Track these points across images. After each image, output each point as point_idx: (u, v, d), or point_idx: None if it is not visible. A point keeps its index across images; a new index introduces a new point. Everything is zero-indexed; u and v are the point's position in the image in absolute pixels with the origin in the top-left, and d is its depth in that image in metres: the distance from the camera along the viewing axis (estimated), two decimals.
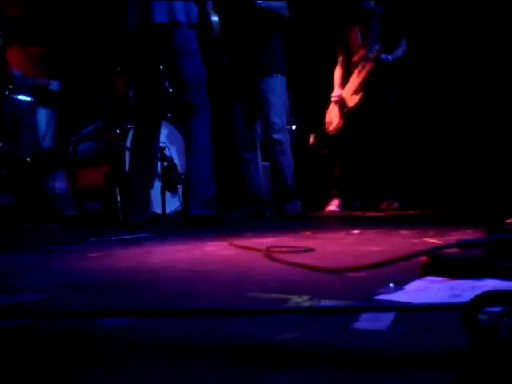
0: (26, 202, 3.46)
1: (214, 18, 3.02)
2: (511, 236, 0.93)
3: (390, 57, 4.05)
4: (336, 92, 4.37)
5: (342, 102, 4.33)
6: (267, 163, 4.04)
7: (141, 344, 0.60)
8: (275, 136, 3.52)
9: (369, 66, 4.05)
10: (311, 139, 4.80)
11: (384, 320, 0.65)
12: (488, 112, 4.30)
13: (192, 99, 2.94)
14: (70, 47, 3.99)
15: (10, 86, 3.54)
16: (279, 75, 3.58)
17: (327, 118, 4.42)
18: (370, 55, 4.05)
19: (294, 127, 4.79)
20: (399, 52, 4.11)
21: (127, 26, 2.95)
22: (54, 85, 3.86)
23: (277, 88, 3.56)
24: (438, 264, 0.95)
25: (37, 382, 0.49)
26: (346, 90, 4.31)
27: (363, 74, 4.11)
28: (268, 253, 1.36)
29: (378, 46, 4.02)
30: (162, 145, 3.70)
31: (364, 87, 4.13)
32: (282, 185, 3.61)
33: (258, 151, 3.77)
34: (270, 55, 3.55)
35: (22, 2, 3.61)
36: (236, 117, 3.72)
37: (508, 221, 1.12)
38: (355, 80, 4.20)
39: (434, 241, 1.66)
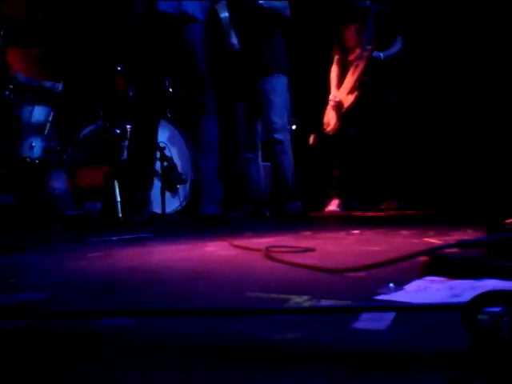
0: (25, 202, 3.46)
1: (224, 14, 3.02)
2: (511, 236, 0.93)
3: (381, 54, 4.05)
4: (333, 94, 4.37)
5: (338, 103, 4.33)
6: (268, 163, 4.04)
7: (141, 344, 0.60)
8: (276, 136, 3.52)
9: (362, 64, 4.05)
10: (311, 139, 4.80)
11: (384, 320, 0.65)
12: (487, 112, 4.30)
13: (206, 99, 2.96)
14: (69, 47, 3.98)
15: (11, 86, 3.53)
16: (281, 75, 3.58)
17: (325, 119, 4.43)
18: (364, 54, 4.05)
19: (293, 127, 4.79)
20: (392, 50, 4.10)
21: (133, 13, 2.91)
22: (54, 85, 3.86)
23: (278, 88, 3.56)
24: (438, 264, 0.95)
25: (37, 381, 0.49)
26: (341, 90, 4.32)
27: (357, 73, 4.11)
28: (268, 253, 1.36)
29: (370, 45, 4.01)
30: (162, 145, 3.71)
31: (359, 86, 4.13)
32: (282, 185, 3.61)
33: (259, 151, 3.77)
34: (272, 55, 3.55)
35: (22, 2, 3.61)
36: (238, 117, 3.72)
37: (508, 221, 1.12)
38: (350, 79, 4.20)
39: (433, 241, 1.66)
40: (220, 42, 3.05)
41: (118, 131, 3.68)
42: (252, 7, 3.40)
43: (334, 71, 4.41)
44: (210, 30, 2.99)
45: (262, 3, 3.38)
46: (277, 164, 3.63)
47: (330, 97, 4.38)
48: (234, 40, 3.19)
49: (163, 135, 3.84)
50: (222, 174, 3.28)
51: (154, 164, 3.28)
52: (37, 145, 3.63)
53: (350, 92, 4.19)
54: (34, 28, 3.71)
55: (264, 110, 3.55)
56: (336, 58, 4.41)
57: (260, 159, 3.79)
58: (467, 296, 0.69)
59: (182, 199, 3.88)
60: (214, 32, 3.00)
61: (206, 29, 2.97)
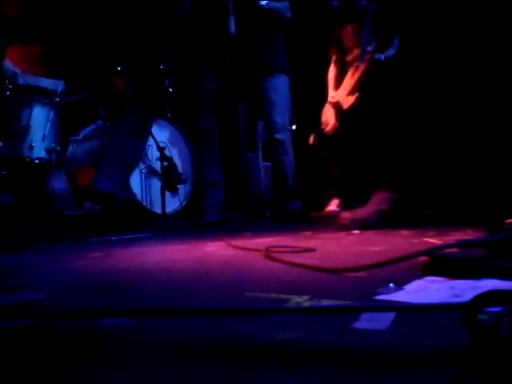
0: (25, 201, 3.46)
1: None
2: (511, 236, 0.93)
3: (382, 56, 4.05)
4: (331, 95, 4.37)
5: (337, 104, 4.33)
6: (268, 163, 4.05)
7: (141, 344, 0.60)
8: (277, 136, 3.53)
9: (363, 66, 4.05)
10: (311, 139, 4.80)
11: (384, 320, 0.65)
12: (487, 111, 4.30)
13: (204, 82, 2.96)
14: (70, 47, 3.99)
15: (10, 86, 3.54)
16: (282, 75, 3.60)
17: (323, 118, 4.42)
18: (365, 56, 4.04)
19: (293, 127, 4.80)
20: (392, 51, 4.10)
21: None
22: (55, 84, 3.86)
23: (280, 88, 3.58)
24: (438, 264, 0.95)
25: (37, 381, 0.49)
26: (340, 91, 4.31)
27: (358, 75, 4.11)
28: (268, 253, 1.36)
29: (371, 47, 4.01)
30: (162, 145, 3.71)
31: (359, 87, 4.13)
32: (282, 184, 3.62)
33: (260, 151, 3.79)
34: (273, 55, 3.57)
35: (22, 2, 3.61)
36: (239, 117, 3.73)
37: (508, 221, 1.12)
38: (349, 81, 4.20)
39: (433, 241, 1.66)
40: (218, 25, 3.04)
41: None
42: (253, 8, 3.41)
43: (332, 72, 4.41)
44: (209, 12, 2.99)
45: (263, 4, 3.40)
46: (277, 164, 3.64)
47: (329, 98, 4.38)
48: (232, 26, 3.18)
49: (163, 135, 3.85)
50: (223, 174, 3.29)
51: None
52: (37, 145, 3.64)
53: (350, 93, 4.19)
54: (34, 27, 3.71)
55: (265, 110, 3.56)
56: (333, 58, 4.41)
57: (260, 159, 3.80)
58: (467, 296, 0.69)
59: (182, 199, 3.89)
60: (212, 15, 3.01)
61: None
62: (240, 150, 3.73)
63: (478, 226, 1.76)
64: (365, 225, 2.17)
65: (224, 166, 3.46)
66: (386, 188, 2.54)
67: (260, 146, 3.80)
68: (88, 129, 3.92)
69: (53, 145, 3.72)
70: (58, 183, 3.72)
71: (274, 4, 3.46)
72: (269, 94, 3.53)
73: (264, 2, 3.40)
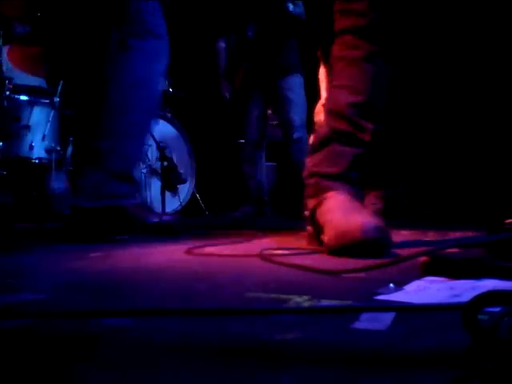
0: (25, 202, 3.46)
1: None
2: (511, 236, 0.93)
3: None
4: (324, 96, 4.37)
5: None
6: (270, 163, 4.06)
7: (141, 344, 0.60)
8: (295, 134, 3.57)
9: None
10: (311, 139, 4.79)
11: (384, 320, 0.65)
12: (487, 111, 4.30)
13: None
14: (70, 47, 3.98)
15: (10, 86, 3.54)
16: (299, 75, 3.66)
17: (316, 119, 4.42)
18: None
19: None
20: None
21: None
22: (54, 85, 3.86)
23: (296, 87, 3.64)
24: (438, 264, 0.95)
25: (37, 381, 0.49)
26: None
27: None
28: (268, 254, 1.36)
29: None
30: (162, 145, 3.71)
31: None
32: (298, 183, 3.63)
33: (264, 151, 3.81)
34: (290, 56, 3.64)
35: (21, 2, 3.61)
36: (250, 117, 3.75)
37: (508, 221, 1.12)
38: None
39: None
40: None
41: None
42: (280, 12, 3.47)
43: (323, 73, 4.41)
44: None
45: (291, 10, 3.46)
46: (295, 163, 3.65)
47: (322, 100, 4.37)
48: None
49: (163, 135, 3.85)
50: (223, 174, 3.29)
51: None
52: (37, 145, 3.64)
53: None
54: (34, 27, 3.71)
55: (282, 108, 3.62)
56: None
57: (264, 159, 3.82)
58: (467, 296, 0.69)
59: (181, 199, 3.89)
60: None
61: None
62: (245, 148, 3.75)
63: (478, 226, 1.76)
64: None
65: (224, 166, 3.47)
66: (374, 187, 2.56)
67: (265, 146, 3.83)
68: None
69: (53, 145, 3.72)
70: (58, 183, 3.72)
71: (298, 8, 3.55)
72: (286, 92, 3.60)
73: (292, 7, 3.47)
